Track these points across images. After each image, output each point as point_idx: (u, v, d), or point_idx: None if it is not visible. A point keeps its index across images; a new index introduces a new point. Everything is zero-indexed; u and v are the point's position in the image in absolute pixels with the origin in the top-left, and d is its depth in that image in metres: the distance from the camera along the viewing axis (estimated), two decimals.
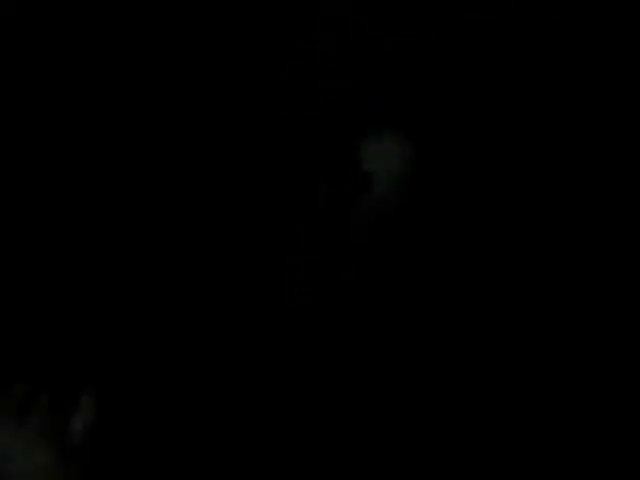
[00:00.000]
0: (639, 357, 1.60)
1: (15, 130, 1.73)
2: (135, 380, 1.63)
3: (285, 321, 1.64)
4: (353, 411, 1.62)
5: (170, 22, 1.71)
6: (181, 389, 1.62)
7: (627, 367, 1.60)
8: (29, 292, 1.69)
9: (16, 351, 1.63)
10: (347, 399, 1.63)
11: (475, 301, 1.66)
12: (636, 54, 1.64)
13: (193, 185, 1.72)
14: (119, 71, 1.72)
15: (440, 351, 1.65)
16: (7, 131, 1.73)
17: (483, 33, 1.66)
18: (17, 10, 1.60)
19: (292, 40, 1.70)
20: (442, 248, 1.68)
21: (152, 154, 1.73)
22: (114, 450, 1.55)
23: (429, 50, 1.68)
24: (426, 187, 1.69)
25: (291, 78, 1.71)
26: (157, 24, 1.71)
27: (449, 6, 1.66)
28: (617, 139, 1.66)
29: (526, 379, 1.62)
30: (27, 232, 1.70)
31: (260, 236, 1.70)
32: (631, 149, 1.66)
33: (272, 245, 1.69)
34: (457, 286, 1.67)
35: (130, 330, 1.64)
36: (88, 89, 1.74)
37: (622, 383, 1.59)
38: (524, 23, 1.64)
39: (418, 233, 1.68)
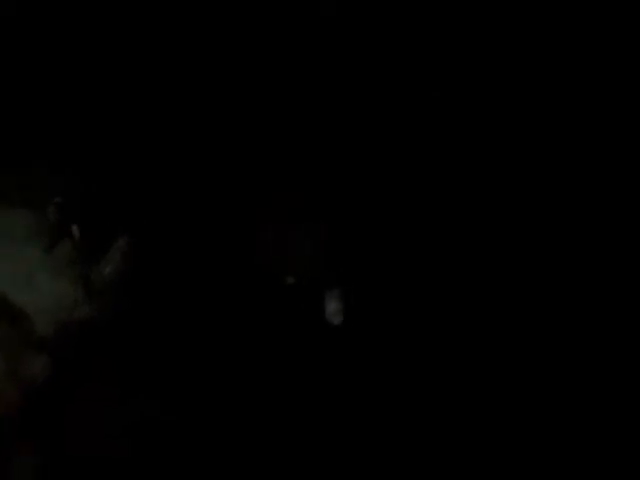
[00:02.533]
0: (639, 357, 1.61)
1: (15, 129, 1.73)
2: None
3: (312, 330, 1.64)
4: (361, 412, 1.63)
5: (169, 20, 1.71)
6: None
7: (627, 367, 1.61)
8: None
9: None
10: (352, 400, 1.64)
11: (476, 304, 1.66)
12: (636, 55, 1.64)
13: (199, 186, 1.72)
14: (119, 71, 1.72)
15: (440, 352, 1.66)
16: (6, 130, 1.73)
17: (483, 34, 1.67)
18: (17, 10, 1.60)
19: (292, 39, 1.70)
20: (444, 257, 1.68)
21: (153, 154, 1.73)
22: (138, 302, 1.45)
23: (429, 51, 1.68)
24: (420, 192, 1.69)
25: (290, 78, 1.71)
26: (156, 20, 1.71)
27: (449, 6, 1.67)
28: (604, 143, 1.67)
29: (525, 379, 1.63)
30: None
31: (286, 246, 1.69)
32: (628, 152, 1.66)
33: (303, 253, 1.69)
34: (456, 288, 1.68)
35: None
36: (87, 88, 1.74)
37: (621, 383, 1.60)
38: (524, 24, 1.65)
39: (420, 237, 1.69)
